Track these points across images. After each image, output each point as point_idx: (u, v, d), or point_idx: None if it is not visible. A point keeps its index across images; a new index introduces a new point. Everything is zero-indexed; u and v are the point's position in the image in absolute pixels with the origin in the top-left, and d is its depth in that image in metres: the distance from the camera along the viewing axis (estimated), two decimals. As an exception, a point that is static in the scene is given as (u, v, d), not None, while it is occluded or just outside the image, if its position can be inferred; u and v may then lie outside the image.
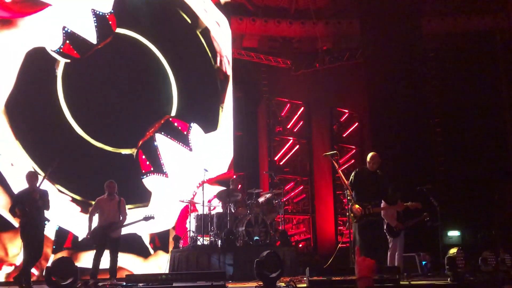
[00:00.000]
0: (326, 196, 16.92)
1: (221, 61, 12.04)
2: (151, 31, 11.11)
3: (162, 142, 10.65)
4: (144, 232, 10.73)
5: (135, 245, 10.61)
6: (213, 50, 12.43)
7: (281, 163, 16.77)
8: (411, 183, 10.91)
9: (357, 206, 8.03)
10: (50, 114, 9.78)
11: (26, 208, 8.06)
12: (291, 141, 17.00)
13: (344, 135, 17.78)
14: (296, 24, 16.70)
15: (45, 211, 8.31)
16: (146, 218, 9.03)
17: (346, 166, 16.55)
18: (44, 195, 8.41)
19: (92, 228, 8.73)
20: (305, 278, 6.88)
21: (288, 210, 16.35)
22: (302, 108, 17.23)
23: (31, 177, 8.46)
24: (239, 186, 13.43)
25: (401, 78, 14.90)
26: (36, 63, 9.47)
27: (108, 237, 8.66)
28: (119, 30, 10.50)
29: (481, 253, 8.71)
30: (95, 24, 9.86)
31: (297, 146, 17.10)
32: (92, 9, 9.75)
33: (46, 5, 9.21)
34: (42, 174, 8.64)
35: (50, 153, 9.37)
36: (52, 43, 9.39)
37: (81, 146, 10.08)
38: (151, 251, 10.92)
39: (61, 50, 9.50)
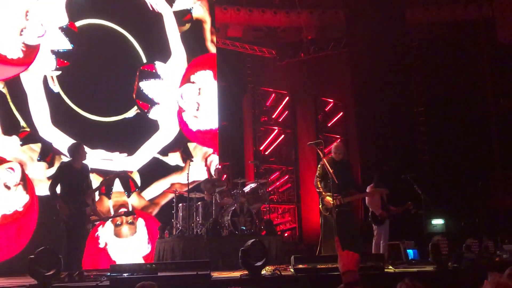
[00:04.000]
0: (311, 185, 16.81)
1: (151, 5, 13.60)
2: (96, 9, 12.72)
3: (144, 85, 12.88)
4: (163, 149, 12.77)
5: (168, 168, 12.69)
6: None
7: (266, 153, 16.75)
8: (395, 171, 10.98)
9: (328, 198, 8.08)
10: (74, 118, 11.75)
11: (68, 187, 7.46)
12: (276, 130, 16.97)
13: (329, 125, 17.75)
14: (280, 14, 16.61)
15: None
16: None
17: (331, 155, 16.54)
18: (85, 170, 7.77)
19: None
20: (290, 267, 6.91)
21: (274, 199, 16.38)
22: (287, 98, 17.19)
23: (73, 149, 7.71)
24: (224, 176, 13.42)
25: (385, 68, 14.95)
26: (48, 85, 11.63)
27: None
28: (78, 24, 12.19)
29: (465, 240, 8.80)
30: (65, 35, 11.91)
31: (282, 136, 17.07)
32: (58, 27, 11.82)
33: (38, 45, 11.47)
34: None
35: (93, 145, 11.35)
36: (51, 66, 11.62)
37: (103, 128, 12.05)
38: (183, 164, 12.95)
39: (57, 66, 11.58)
